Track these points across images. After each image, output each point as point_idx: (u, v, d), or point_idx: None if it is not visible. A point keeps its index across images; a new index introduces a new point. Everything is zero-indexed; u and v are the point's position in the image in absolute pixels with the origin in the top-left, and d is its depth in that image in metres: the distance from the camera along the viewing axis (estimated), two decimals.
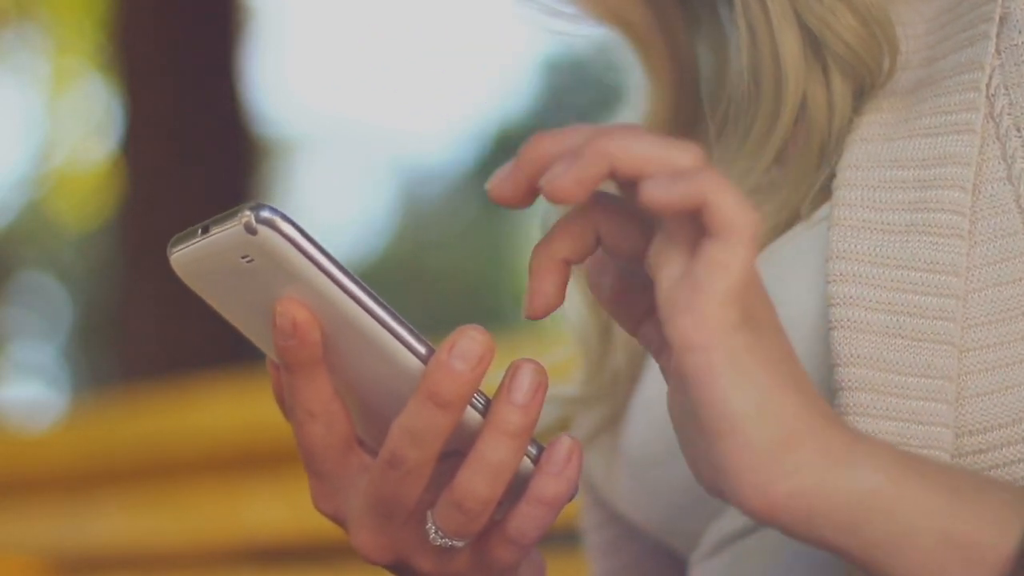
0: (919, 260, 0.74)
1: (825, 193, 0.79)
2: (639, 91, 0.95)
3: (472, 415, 0.68)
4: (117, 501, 2.62)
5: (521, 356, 0.68)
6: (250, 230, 0.65)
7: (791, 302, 0.77)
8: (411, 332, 0.67)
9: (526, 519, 0.68)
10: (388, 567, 0.72)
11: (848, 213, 0.75)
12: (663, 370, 0.66)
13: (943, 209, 0.74)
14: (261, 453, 2.28)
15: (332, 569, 2.23)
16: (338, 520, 0.73)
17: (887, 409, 0.72)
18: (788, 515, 0.62)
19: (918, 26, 0.80)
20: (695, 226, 0.62)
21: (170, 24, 4.47)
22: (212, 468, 2.42)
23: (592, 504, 1.01)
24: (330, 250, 0.66)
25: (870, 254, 0.74)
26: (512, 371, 0.67)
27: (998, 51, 0.76)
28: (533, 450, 0.69)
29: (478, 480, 0.67)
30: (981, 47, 0.76)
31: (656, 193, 0.62)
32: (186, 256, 0.68)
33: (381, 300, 0.67)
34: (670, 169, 0.63)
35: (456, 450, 0.69)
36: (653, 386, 0.88)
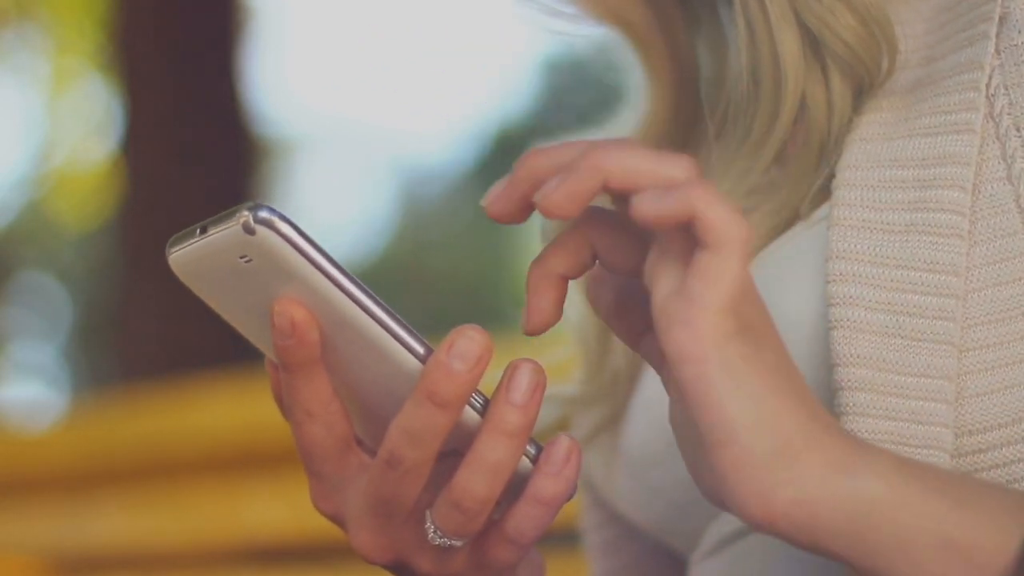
0: (919, 260, 0.74)
1: (824, 193, 0.79)
2: (639, 91, 0.95)
3: (470, 415, 0.68)
4: (117, 501, 2.62)
5: (520, 356, 0.68)
6: (248, 230, 0.65)
7: (790, 302, 0.77)
8: (409, 332, 0.67)
9: (525, 519, 0.68)
10: (387, 567, 0.73)
11: (848, 213, 0.75)
12: (664, 382, 0.66)
13: (943, 209, 0.74)
14: (261, 453, 2.28)
15: (332, 569, 2.23)
16: (337, 520, 0.73)
17: (887, 409, 0.72)
18: (789, 524, 0.62)
19: (917, 25, 0.80)
20: (688, 238, 0.63)
21: (170, 24, 4.47)
22: (212, 468, 2.42)
23: (592, 504, 1.01)
24: (328, 250, 0.66)
25: (870, 254, 0.74)
26: (510, 371, 0.67)
27: (998, 51, 0.76)
28: (532, 450, 0.69)
29: (476, 480, 0.67)
30: (981, 47, 0.76)
31: (647, 207, 0.62)
32: (184, 256, 0.68)
33: (379, 300, 0.67)
34: (662, 182, 0.63)
35: (455, 450, 0.69)
36: (653, 386, 0.88)
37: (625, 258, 0.67)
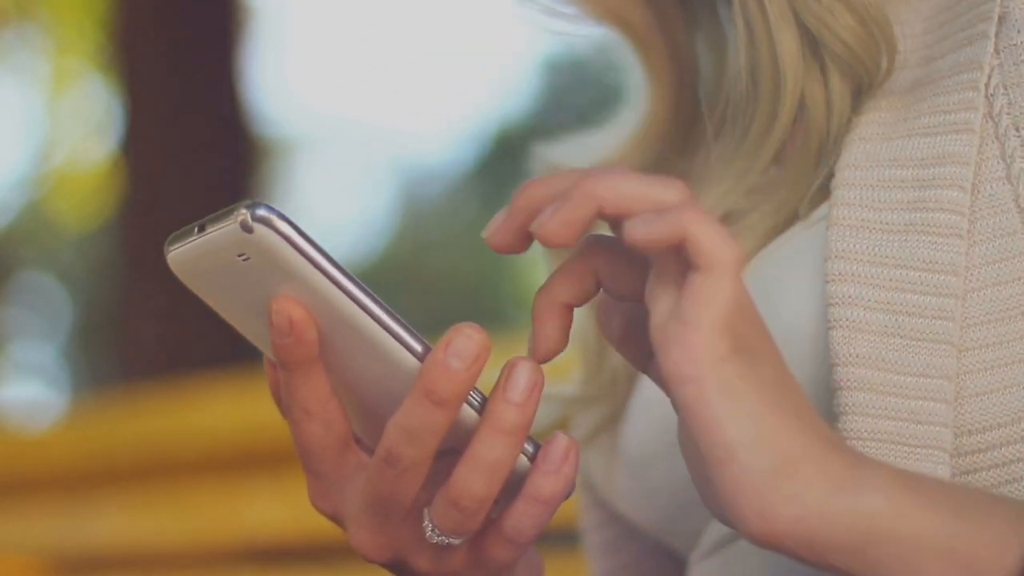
0: (918, 259, 0.74)
1: (823, 193, 0.79)
2: (639, 91, 0.95)
3: (468, 413, 0.68)
4: (117, 501, 2.62)
5: (518, 355, 0.68)
6: (246, 228, 0.65)
7: (789, 302, 0.77)
8: (407, 330, 0.67)
9: (523, 517, 0.69)
10: (386, 566, 0.73)
11: (847, 212, 0.75)
12: (672, 403, 0.67)
13: (942, 208, 0.74)
14: (261, 453, 2.28)
15: (332, 569, 2.23)
16: (336, 519, 0.73)
17: (886, 408, 0.72)
18: (791, 540, 0.63)
19: (916, 25, 0.80)
20: (681, 261, 0.64)
21: (170, 24, 4.47)
22: (212, 468, 2.42)
23: (592, 504, 1.01)
24: (327, 249, 0.66)
25: (869, 253, 0.74)
26: (508, 369, 0.68)
27: (997, 50, 0.76)
28: (530, 448, 0.69)
29: (474, 478, 0.67)
30: (980, 46, 0.76)
31: (638, 231, 0.63)
32: (183, 254, 0.68)
33: (377, 298, 0.67)
34: (654, 206, 0.64)
35: (453, 448, 0.69)
36: (652, 386, 0.88)
37: (628, 284, 0.68)
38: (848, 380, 0.73)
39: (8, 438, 3.24)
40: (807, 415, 0.64)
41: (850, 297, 0.74)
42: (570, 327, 0.69)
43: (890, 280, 0.74)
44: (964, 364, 0.73)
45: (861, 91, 0.79)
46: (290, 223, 0.65)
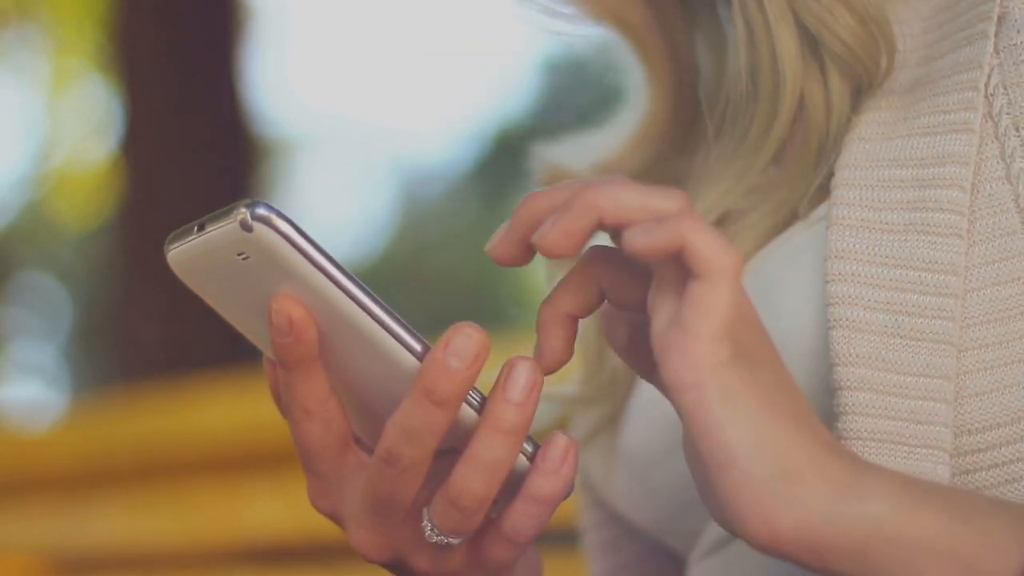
0: (918, 259, 0.74)
1: (823, 192, 0.79)
2: (638, 91, 0.95)
3: (468, 412, 0.68)
4: (117, 501, 2.62)
5: (517, 355, 0.69)
6: (246, 227, 0.65)
7: (789, 302, 0.77)
8: (407, 329, 0.67)
9: (522, 517, 0.69)
10: (385, 565, 0.73)
11: (846, 212, 0.75)
12: (678, 412, 0.67)
13: (942, 208, 0.74)
14: (261, 453, 2.28)
15: (332, 569, 2.23)
16: (336, 518, 0.73)
17: (886, 408, 0.72)
18: (794, 546, 0.63)
19: (915, 25, 0.80)
20: (681, 269, 0.64)
21: (170, 24, 4.47)
22: (212, 468, 2.42)
23: (591, 504, 1.01)
24: (326, 248, 0.66)
25: (869, 253, 0.74)
26: (507, 368, 0.68)
27: (996, 50, 0.76)
28: (529, 448, 0.69)
29: (474, 478, 0.67)
30: (979, 46, 0.76)
31: (638, 240, 0.64)
32: (182, 253, 0.68)
33: (377, 298, 0.67)
34: (653, 215, 0.64)
35: (452, 447, 0.69)
36: (652, 387, 0.88)
37: (630, 294, 0.68)
38: (848, 380, 0.73)
39: (8, 438, 3.24)
40: (808, 420, 0.64)
41: (850, 297, 0.74)
42: (575, 338, 0.69)
43: (890, 280, 0.74)
44: (964, 364, 0.73)
45: (861, 91, 0.79)
46: (290, 222, 0.65)
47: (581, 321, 0.95)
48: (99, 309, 7.34)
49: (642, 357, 0.70)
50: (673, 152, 0.95)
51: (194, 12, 4.57)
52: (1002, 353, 0.73)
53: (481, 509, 0.68)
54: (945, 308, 0.73)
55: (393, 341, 0.67)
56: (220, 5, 4.67)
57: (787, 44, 0.78)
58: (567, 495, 0.69)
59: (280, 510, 2.28)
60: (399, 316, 0.67)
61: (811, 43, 0.79)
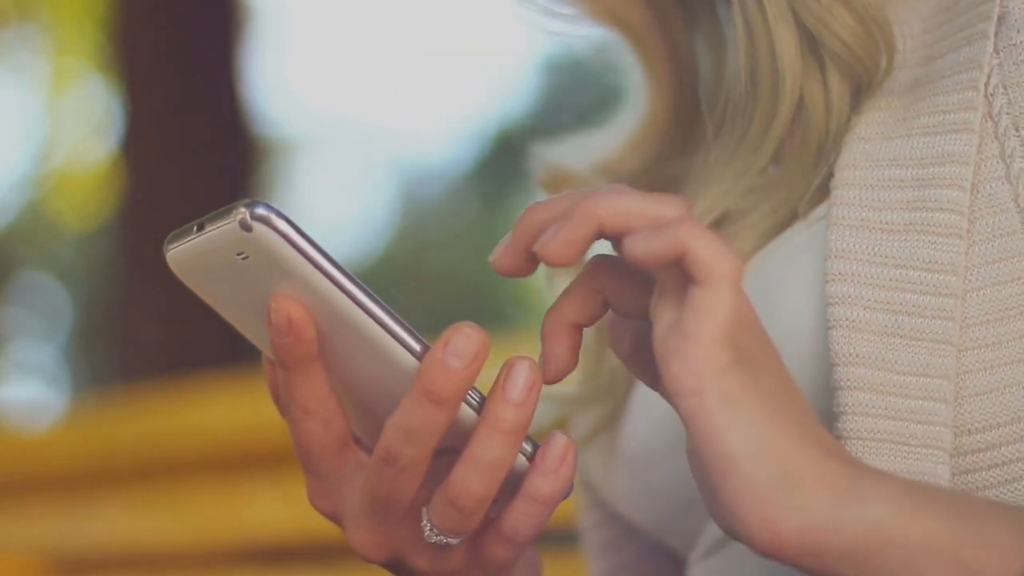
0: (918, 259, 0.74)
1: (823, 192, 0.79)
2: (638, 91, 0.95)
3: (467, 412, 0.68)
4: (117, 501, 2.62)
5: (517, 354, 0.69)
6: (245, 227, 0.65)
7: (789, 302, 0.77)
8: (406, 329, 0.67)
9: (521, 517, 0.69)
10: (385, 565, 0.73)
11: (846, 212, 0.75)
12: (680, 417, 0.67)
13: (941, 208, 0.74)
14: (261, 453, 2.28)
15: (331, 569, 2.23)
16: (335, 518, 0.73)
17: (886, 408, 0.72)
18: (797, 550, 0.63)
19: (915, 25, 0.80)
20: (682, 275, 0.64)
21: (170, 24, 4.47)
22: (212, 468, 2.42)
23: (591, 504, 1.01)
24: (326, 248, 0.66)
25: (868, 253, 0.74)
26: (507, 368, 0.68)
27: (996, 50, 0.76)
28: (528, 447, 0.69)
29: (473, 477, 0.67)
30: (979, 46, 0.76)
31: (638, 247, 0.64)
32: (182, 253, 0.68)
33: (376, 297, 0.67)
34: (653, 222, 0.65)
35: (451, 447, 0.69)
36: None
37: (634, 302, 0.68)
38: (848, 380, 0.73)
39: (8, 438, 3.24)
40: (809, 425, 0.64)
41: (850, 297, 0.74)
42: (579, 347, 0.70)
43: (890, 280, 0.74)
44: (964, 364, 0.73)
45: (860, 90, 0.79)
46: (289, 222, 0.65)
47: None
48: (99, 309, 7.34)
49: (646, 365, 0.70)
50: (673, 152, 0.95)
51: (194, 12, 4.57)
52: (1002, 353, 0.73)
53: (480, 509, 0.68)
54: (945, 308, 0.73)
55: (392, 341, 0.67)
56: (220, 5, 4.67)
57: (786, 44, 0.78)
58: (566, 495, 0.69)
59: (280, 510, 2.28)
60: (398, 316, 0.67)
61: (811, 43, 0.79)
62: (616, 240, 0.66)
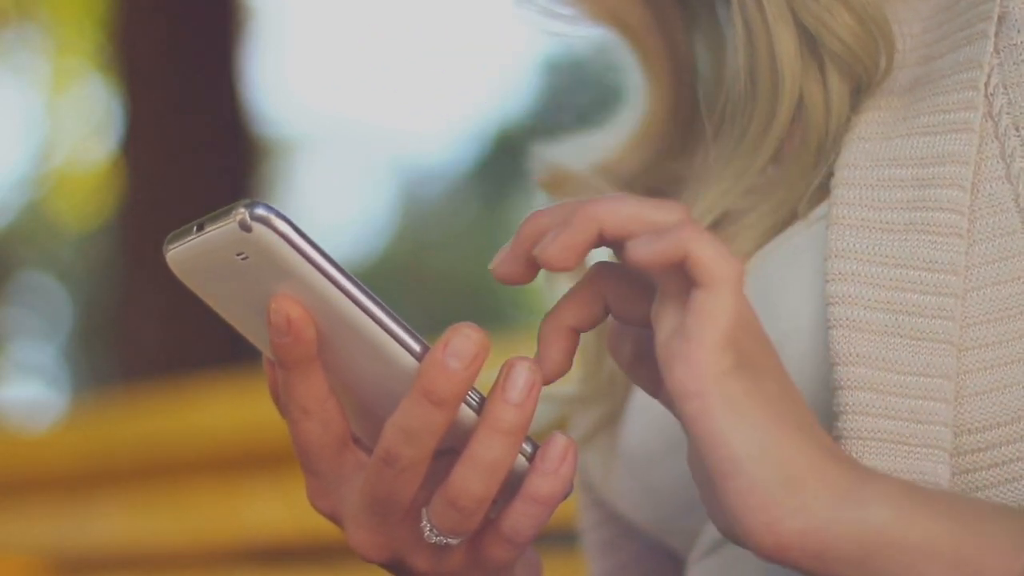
0: (918, 259, 0.74)
1: (822, 192, 0.79)
2: (638, 91, 0.95)
3: (467, 413, 0.68)
4: (117, 501, 2.62)
5: (517, 355, 0.69)
6: (245, 227, 0.65)
7: (789, 301, 0.77)
8: (406, 330, 0.67)
9: (521, 517, 0.69)
10: (384, 565, 0.73)
11: (846, 212, 0.75)
12: (681, 421, 0.67)
13: (942, 208, 0.74)
14: (261, 453, 2.28)
15: (331, 569, 2.23)
16: (335, 518, 0.73)
17: (886, 408, 0.72)
18: (799, 553, 0.63)
19: (914, 24, 0.80)
20: (684, 279, 0.64)
21: (170, 24, 4.47)
22: (212, 468, 2.42)
23: (590, 503, 1.01)
24: (326, 248, 0.66)
25: (869, 253, 0.74)
26: (506, 369, 0.68)
27: (996, 50, 0.76)
28: (528, 448, 0.69)
29: (473, 478, 0.67)
30: (980, 46, 0.76)
31: (640, 251, 0.64)
32: (182, 253, 0.68)
33: (376, 298, 0.67)
34: (653, 227, 0.65)
35: (451, 448, 0.69)
36: None
37: (635, 308, 0.69)
38: (848, 379, 0.73)
39: (8, 438, 3.24)
40: (811, 428, 0.64)
41: (850, 296, 0.74)
42: (575, 351, 0.70)
43: (890, 279, 0.74)
44: (964, 363, 0.73)
45: (860, 90, 0.79)
46: (289, 222, 0.66)
47: None
48: (99, 309, 7.34)
49: (647, 373, 0.70)
50: (672, 152, 0.95)
51: (194, 12, 4.57)
52: (1002, 352, 0.73)
53: (480, 509, 0.68)
54: (945, 307, 0.73)
55: (392, 341, 0.67)
56: (220, 5, 4.68)
57: (786, 44, 0.78)
58: (566, 495, 0.69)
59: (280, 510, 2.28)
60: (398, 316, 0.67)
61: (810, 43, 0.79)
62: (617, 246, 0.66)
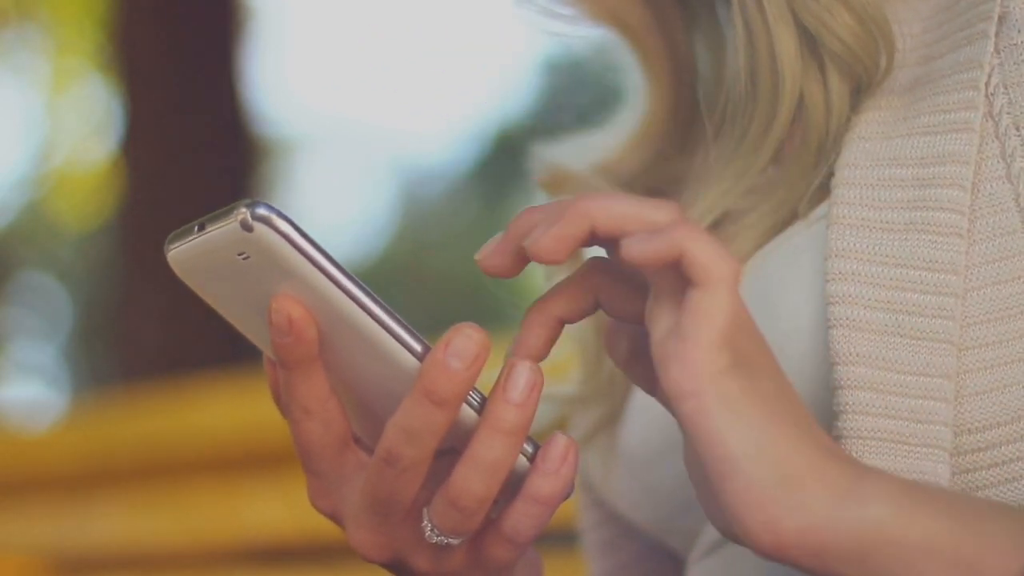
0: (918, 258, 0.74)
1: (823, 192, 0.79)
2: (638, 91, 0.95)
3: (468, 413, 0.68)
4: (117, 501, 2.62)
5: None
6: (246, 227, 0.65)
7: (790, 301, 0.77)
8: (407, 330, 0.67)
9: (522, 517, 0.69)
10: (385, 565, 0.73)
11: (847, 211, 0.76)
12: (678, 420, 0.67)
13: (942, 207, 0.74)
14: (261, 453, 2.28)
15: (331, 569, 2.23)
16: (335, 518, 0.73)
17: (886, 407, 0.73)
18: (798, 551, 0.63)
19: (914, 24, 0.80)
20: (679, 279, 0.64)
21: (170, 24, 4.47)
22: (212, 468, 2.42)
23: (590, 503, 1.01)
24: (326, 248, 0.66)
25: (869, 252, 0.75)
26: (508, 369, 0.68)
27: (997, 50, 0.76)
28: (529, 448, 0.69)
29: (474, 478, 0.67)
30: (980, 46, 0.76)
31: (636, 248, 0.64)
32: (183, 253, 0.68)
33: (377, 298, 0.67)
34: (647, 226, 0.65)
35: (452, 448, 0.69)
36: None
37: (627, 305, 0.69)
38: (848, 379, 0.73)
39: (8, 438, 3.23)
40: (808, 427, 0.64)
41: (850, 296, 0.74)
42: (555, 341, 0.70)
43: (890, 279, 0.74)
44: (964, 363, 0.73)
45: (860, 90, 0.79)
46: (290, 222, 0.66)
47: (580, 322, 0.95)
48: (99, 309, 7.34)
49: (643, 370, 0.70)
50: (672, 152, 0.95)
51: (194, 12, 4.57)
52: (1002, 352, 0.73)
53: (481, 509, 0.68)
54: (945, 307, 0.73)
55: (393, 341, 0.67)
56: (220, 5, 4.67)
57: (786, 44, 0.79)
58: (567, 496, 0.69)
59: (280, 510, 2.28)
60: (399, 316, 0.68)
61: (810, 43, 0.79)
62: (609, 244, 0.66)
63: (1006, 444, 0.73)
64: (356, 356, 0.68)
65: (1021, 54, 0.75)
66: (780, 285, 0.78)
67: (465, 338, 0.66)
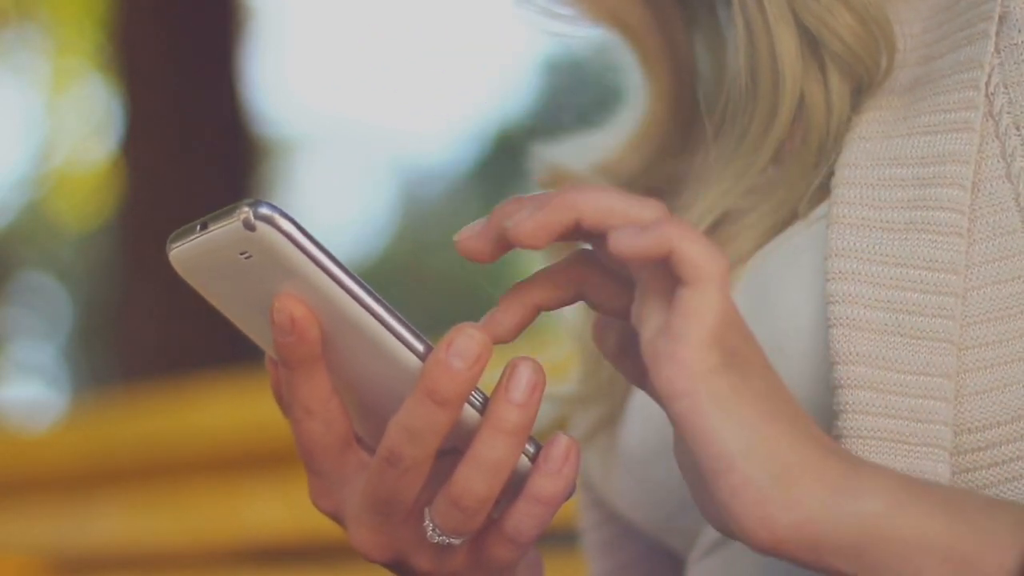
0: (918, 258, 0.74)
1: (823, 192, 0.79)
2: (638, 91, 0.95)
3: (470, 413, 0.68)
4: (117, 501, 2.62)
5: (519, 355, 0.69)
6: (248, 226, 0.65)
7: (790, 300, 0.77)
8: (409, 330, 0.67)
9: (524, 517, 0.69)
10: (387, 565, 0.73)
11: (847, 211, 0.76)
12: (670, 419, 0.67)
13: (942, 207, 0.74)
14: (261, 453, 2.28)
15: (332, 569, 2.23)
16: (337, 518, 0.73)
17: (886, 407, 0.73)
18: (794, 546, 0.63)
19: (915, 24, 0.80)
20: (668, 276, 0.64)
21: (170, 24, 4.48)
22: (212, 468, 2.42)
23: (590, 503, 1.01)
24: (328, 247, 0.66)
25: (869, 252, 0.75)
26: (510, 369, 0.68)
27: (997, 50, 0.76)
28: (531, 448, 0.69)
29: (476, 478, 0.67)
30: (980, 46, 0.76)
31: (625, 242, 0.64)
32: (185, 252, 0.68)
33: (379, 297, 0.67)
34: (633, 222, 0.65)
35: (454, 448, 0.69)
36: None
37: (611, 300, 0.69)
38: (848, 378, 0.73)
39: (8, 438, 3.23)
40: (802, 422, 0.65)
41: (850, 295, 0.74)
42: (527, 326, 0.70)
43: (890, 278, 0.74)
44: (964, 362, 0.73)
45: (861, 90, 0.79)
46: (292, 221, 0.66)
47: (581, 321, 0.96)
48: (99, 309, 7.34)
49: (633, 363, 0.70)
50: (672, 152, 0.95)
51: (194, 12, 4.57)
52: (1002, 351, 0.73)
53: (483, 509, 0.68)
54: (945, 306, 0.73)
55: (395, 341, 0.67)
56: (220, 5, 4.68)
57: (787, 44, 0.79)
58: (569, 496, 0.69)
59: (280, 510, 2.28)
60: (401, 316, 0.68)
61: (811, 43, 0.79)
62: (593, 237, 0.66)
63: (1006, 443, 0.73)
64: (358, 356, 0.68)
65: (1021, 54, 0.75)
66: (780, 285, 0.78)
67: (467, 338, 0.66)
